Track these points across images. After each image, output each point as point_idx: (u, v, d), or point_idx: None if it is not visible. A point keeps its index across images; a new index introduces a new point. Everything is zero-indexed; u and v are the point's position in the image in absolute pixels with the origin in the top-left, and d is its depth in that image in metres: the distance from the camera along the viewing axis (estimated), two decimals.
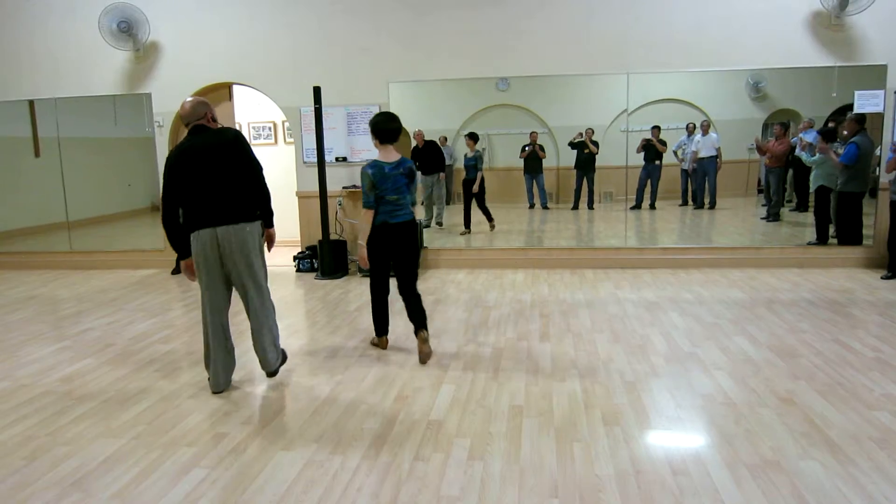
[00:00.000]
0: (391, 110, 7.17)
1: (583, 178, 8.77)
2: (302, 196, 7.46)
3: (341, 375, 3.86)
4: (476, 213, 8.22)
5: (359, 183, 7.06)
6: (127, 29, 7.13)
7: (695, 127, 8.37)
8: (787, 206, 8.37)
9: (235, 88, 7.64)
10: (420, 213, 8.29)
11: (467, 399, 3.44)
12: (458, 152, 8.72)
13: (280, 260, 7.68)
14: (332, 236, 7.19)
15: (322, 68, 7.17)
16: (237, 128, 8.13)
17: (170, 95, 7.42)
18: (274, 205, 3.82)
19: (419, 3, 6.99)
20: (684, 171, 8.60)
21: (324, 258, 6.84)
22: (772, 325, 4.68)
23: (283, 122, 9.12)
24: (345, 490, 2.55)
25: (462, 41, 6.98)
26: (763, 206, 8.26)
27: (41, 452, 2.94)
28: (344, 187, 7.35)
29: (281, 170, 8.65)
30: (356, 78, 7.18)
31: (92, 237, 7.98)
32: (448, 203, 8.85)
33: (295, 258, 7.34)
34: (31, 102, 7.75)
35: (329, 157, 7.22)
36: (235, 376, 3.84)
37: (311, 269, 7.22)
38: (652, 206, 8.62)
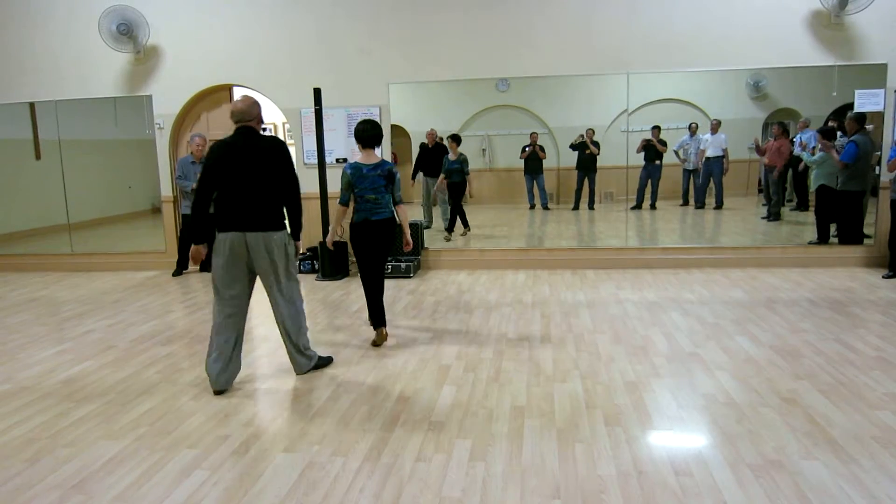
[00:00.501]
0: (391, 111, 7.21)
1: (584, 179, 8.77)
2: (302, 197, 7.42)
3: (342, 377, 3.86)
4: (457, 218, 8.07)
5: None
6: (126, 31, 7.13)
7: (697, 127, 8.37)
8: (787, 206, 8.38)
9: (236, 90, 7.64)
10: (418, 215, 8.29)
11: (469, 400, 3.44)
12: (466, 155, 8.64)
13: None
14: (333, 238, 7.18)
15: (322, 70, 7.17)
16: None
17: (170, 97, 7.42)
18: None
19: (419, 5, 7.00)
20: (686, 171, 8.60)
21: (324, 260, 6.84)
22: (773, 324, 4.67)
23: (284, 124, 9.13)
24: (346, 492, 2.55)
25: (462, 42, 6.98)
26: (763, 205, 8.26)
27: (43, 454, 2.94)
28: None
29: None
30: (356, 79, 7.18)
31: (93, 239, 7.98)
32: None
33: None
34: (32, 105, 7.76)
35: (329, 159, 7.23)
36: (236, 377, 3.84)
37: (312, 271, 7.22)
38: (653, 207, 8.62)
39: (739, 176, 8.62)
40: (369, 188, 4.30)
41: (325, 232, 6.87)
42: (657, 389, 3.51)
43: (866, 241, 6.80)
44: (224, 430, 3.15)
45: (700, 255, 6.92)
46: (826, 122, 7.19)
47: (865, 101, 6.53)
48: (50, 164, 7.84)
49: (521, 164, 8.81)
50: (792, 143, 7.80)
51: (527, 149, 8.65)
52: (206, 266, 6.76)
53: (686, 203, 8.73)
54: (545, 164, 8.74)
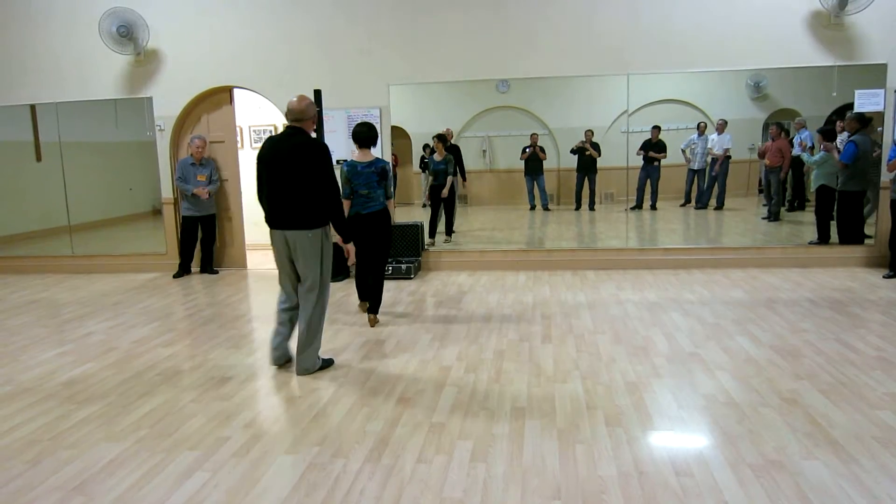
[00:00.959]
0: (392, 113, 7.21)
1: (584, 179, 8.77)
2: None
3: (343, 378, 3.86)
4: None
5: None
6: (127, 33, 7.14)
7: (706, 126, 8.37)
8: (786, 206, 8.37)
9: (236, 92, 7.65)
10: (419, 216, 8.27)
11: (469, 401, 3.44)
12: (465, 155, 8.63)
13: None
14: (333, 239, 7.18)
15: (322, 71, 7.18)
16: (237, 131, 8.16)
17: (171, 99, 7.43)
18: None
19: (419, 5, 7.00)
20: (691, 171, 8.58)
21: None
22: (774, 324, 4.67)
23: (284, 126, 9.13)
24: (347, 493, 2.55)
25: (462, 43, 6.99)
26: (764, 205, 8.26)
27: (44, 456, 2.95)
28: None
29: None
30: (357, 81, 7.19)
31: (94, 241, 7.99)
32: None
33: None
34: (33, 107, 7.77)
35: None
36: (237, 377, 3.84)
37: None
38: (653, 207, 8.62)
39: (740, 176, 8.61)
40: (363, 184, 4.82)
41: None
42: (658, 390, 3.51)
43: (867, 241, 6.80)
44: (225, 432, 3.15)
45: (700, 256, 6.92)
46: (830, 122, 7.18)
47: (865, 101, 6.53)
48: (50, 166, 7.85)
49: (521, 165, 8.81)
50: (791, 143, 7.80)
51: (527, 150, 8.64)
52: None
53: (687, 202, 8.72)
54: (545, 164, 8.74)
